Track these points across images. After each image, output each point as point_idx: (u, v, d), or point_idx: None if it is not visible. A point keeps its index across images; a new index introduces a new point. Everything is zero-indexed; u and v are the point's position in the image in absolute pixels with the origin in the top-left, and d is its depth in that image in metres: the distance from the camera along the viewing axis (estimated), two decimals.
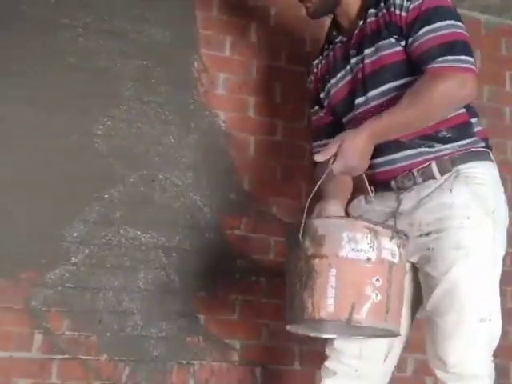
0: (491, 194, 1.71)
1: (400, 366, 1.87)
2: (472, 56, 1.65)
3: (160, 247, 2.30)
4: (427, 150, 1.71)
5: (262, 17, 2.55)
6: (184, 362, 2.26)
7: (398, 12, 1.69)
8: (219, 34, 2.48)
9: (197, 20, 2.45)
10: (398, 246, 1.56)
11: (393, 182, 1.74)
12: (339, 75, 1.84)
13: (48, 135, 2.22)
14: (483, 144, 1.74)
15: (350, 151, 1.60)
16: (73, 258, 2.19)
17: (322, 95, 1.91)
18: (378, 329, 1.56)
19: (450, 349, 1.64)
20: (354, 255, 1.50)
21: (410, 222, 1.70)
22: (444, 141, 1.70)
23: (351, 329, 1.62)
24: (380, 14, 1.74)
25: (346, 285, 1.49)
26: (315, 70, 1.95)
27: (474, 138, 1.72)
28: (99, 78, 2.30)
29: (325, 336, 1.74)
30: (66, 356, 2.14)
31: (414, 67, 1.68)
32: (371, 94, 1.75)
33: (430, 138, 1.70)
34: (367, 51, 1.75)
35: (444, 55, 1.62)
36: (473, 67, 1.63)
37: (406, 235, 1.60)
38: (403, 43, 1.70)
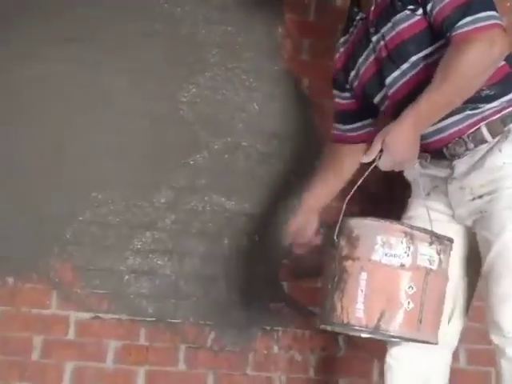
0: None
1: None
2: (493, 9, 1.55)
3: (244, 214, 2.31)
4: (473, 112, 1.64)
5: None
6: (268, 328, 2.28)
7: None
8: None
9: None
10: (438, 252, 1.50)
11: (445, 150, 1.70)
12: (364, 55, 1.77)
13: (135, 102, 2.24)
14: None
15: (396, 145, 1.54)
16: (159, 224, 2.23)
17: (352, 74, 1.84)
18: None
19: (506, 313, 1.60)
20: (386, 260, 1.45)
21: (461, 185, 1.67)
22: (488, 99, 1.63)
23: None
24: None
25: (376, 291, 1.45)
26: (341, 50, 1.89)
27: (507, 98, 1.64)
28: (184, 45, 2.31)
29: (355, 334, 1.67)
30: (153, 319, 2.19)
31: (434, 35, 1.62)
32: (399, 70, 1.69)
33: (474, 99, 1.61)
34: (385, 28, 1.69)
35: (463, 18, 1.53)
36: (496, 21, 1.54)
37: (449, 240, 1.54)
38: (420, 12, 1.62)
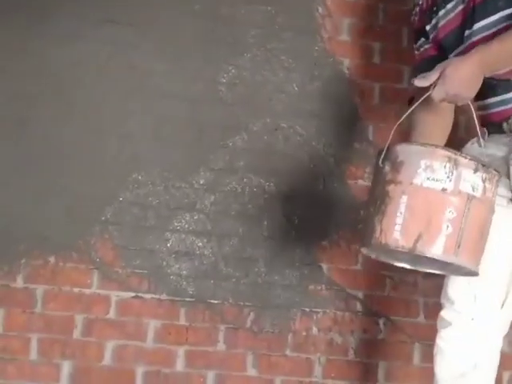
0: None
1: None
2: None
3: (283, 196, 2.30)
4: None
5: None
6: (307, 309, 2.27)
7: None
8: None
9: None
10: (483, 180, 1.48)
11: (505, 124, 1.65)
12: (449, 6, 1.73)
13: (175, 83, 2.25)
14: None
15: (454, 77, 1.50)
16: (198, 205, 2.23)
17: (428, 27, 1.80)
18: (446, 262, 1.49)
19: None
20: (428, 184, 1.45)
21: None
22: None
23: (424, 259, 1.54)
24: None
25: (416, 213, 1.45)
26: (421, 2, 1.85)
27: None
28: (224, 26, 2.30)
29: (398, 264, 1.67)
30: (193, 299, 2.20)
31: None
32: (480, 24, 1.64)
33: None
34: None
35: None
36: None
37: (496, 170, 1.51)
38: None
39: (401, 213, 1.45)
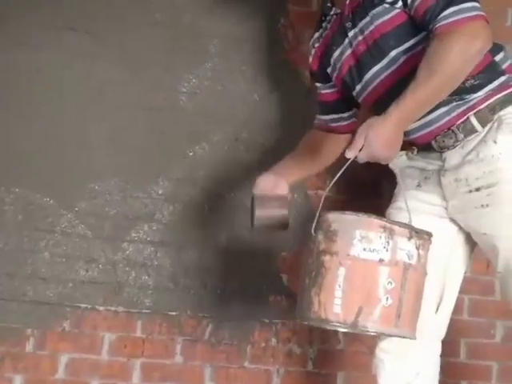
0: None
1: None
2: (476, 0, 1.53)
3: (243, 206, 2.28)
4: (460, 102, 1.62)
5: None
6: (266, 320, 2.26)
7: None
8: None
9: None
10: (417, 247, 1.47)
11: (433, 143, 1.67)
12: (339, 50, 1.75)
13: (134, 92, 2.23)
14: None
15: (377, 141, 1.50)
16: (157, 215, 2.21)
17: (329, 70, 1.83)
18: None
19: None
20: (365, 255, 1.42)
21: (457, 177, 1.64)
22: (474, 89, 1.61)
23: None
24: None
25: (355, 286, 1.42)
26: (316, 45, 1.86)
27: (506, 76, 1.63)
28: (184, 35, 2.29)
29: (339, 330, 1.67)
30: (150, 311, 2.18)
31: (415, 27, 1.59)
32: (380, 65, 1.66)
33: (459, 90, 1.58)
34: (362, 22, 1.66)
35: (445, 9, 1.51)
36: (480, 13, 1.52)
37: (428, 234, 1.50)
38: (399, 4, 1.60)
39: (339, 286, 1.41)
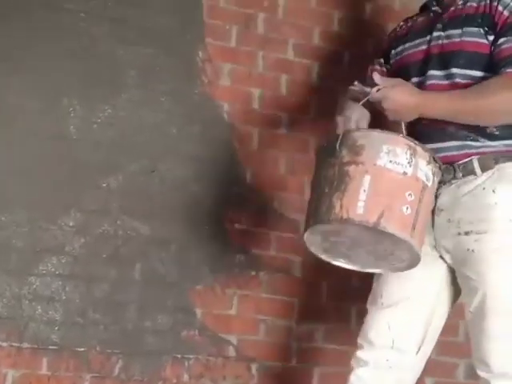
0: None
1: None
2: None
3: (158, 239, 2.26)
4: (472, 143, 1.71)
5: (270, 8, 2.48)
6: (179, 356, 2.23)
7: (500, 9, 1.71)
8: (225, 23, 2.42)
9: (203, 9, 2.39)
10: (433, 173, 1.56)
11: None
12: (417, 41, 1.83)
13: (48, 121, 2.18)
14: None
15: (396, 95, 1.61)
16: (67, 248, 2.16)
17: (393, 52, 1.90)
18: (401, 243, 1.52)
19: (494, 351, 1.64)
20: (391, 166, 1.51)
21: (450, 218, 1.70)
22: (491, 137, 1.70)
23: (362, 255, 1.61)
24: (482, 2, 1.75)
25: (380, 191, 1.50)
26: (398, 29, 1.95)
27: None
28: (101, 65, 2.26)
29: (334, 262, 1.67)
30: (57, 347, 2.11)
31: (487, 64, 1.71)
32: (438, 72, 1.76)
33: (478, 131, 1.69)
34: (454, 31, 1.76)
35: None
36: None
37: (441, 166, 1.61)
38: (491, 38, 1.71)
39: (364, 190, 1.49)
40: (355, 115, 1.77)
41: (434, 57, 1.78)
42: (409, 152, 1.52)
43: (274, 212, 2.40)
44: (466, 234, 1.67)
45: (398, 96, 1.62)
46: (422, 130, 1.70)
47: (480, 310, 1.66)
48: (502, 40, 1.69)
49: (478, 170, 1.69)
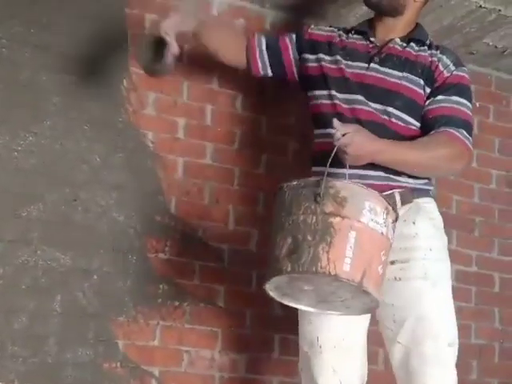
0: (443, 227, 1.89)
1: None
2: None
3: (80, 269, 2.22)
4: (395, 177, 1.83)
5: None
6: None
7: (441, 68, 1.87)
8: None
9: (128, 38, 2.39)
10: (394, 230, 1.63)
11: None
12: (355, 63, 1.91)
13: None
14: (432, 187, 1.94)
15: (361, 140, 1.68)
16: None
17: (321, 55, 1.96)
18: (367, 298, 1.57)
19: (427, 375, 1.74)
20: (373, 225, 1.56)
21: None
22: (410, 175, 1.84)
23: (329, 302, 1.66)
24: (423, 53, 1.89)
25: (364, 250, 1.53)
26: (329, 34, 2.01)
27: (428, 181, 1.91)
28: (24, 92, 2.22)
29: (299, 306, 1.72)
30: None
31: (419, 114, 1.85)
32: (372, 103, 1.85)
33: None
34: (394, 72, 1.87)
35: (463, 129, 1.82)
36: (472, 148, 1.85)
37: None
38: (428, 90, 1.86)
39: (351, 247, 1.52)
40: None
41: (369, 87, 1.87)
42: (385, 212, 1.59)
43: (198, 241, 2.40)
44: (392, 263, 1.75)
45: (362, 142, 1.69)
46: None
47: (412, 336, 1.76)
48: (441, 97, 1.84)
49: (399, 203, 1.80)
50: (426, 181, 1.89)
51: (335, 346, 1.81)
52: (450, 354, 1.78)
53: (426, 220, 1.83)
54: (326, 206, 1.54)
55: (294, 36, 2.07)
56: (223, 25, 2.32)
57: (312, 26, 2.08)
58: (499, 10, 2.35)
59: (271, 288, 1.63)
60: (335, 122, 1.67)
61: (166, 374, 2.28)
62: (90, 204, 2.27)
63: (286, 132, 2.59)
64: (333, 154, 1.62)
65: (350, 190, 1.56)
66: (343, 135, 1.65)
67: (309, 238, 1.52)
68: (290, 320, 2.43)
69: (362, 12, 2.36)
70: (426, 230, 1.81)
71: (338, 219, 1.53)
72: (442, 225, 1.90)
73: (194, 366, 2.33)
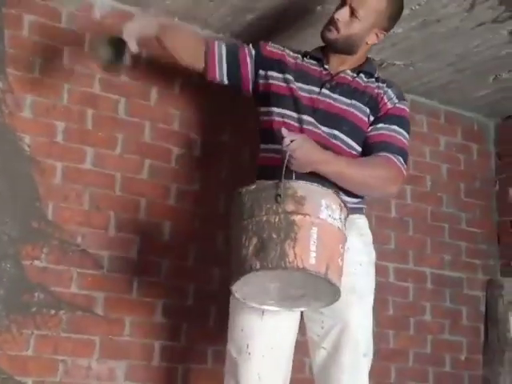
0: (372, 244, 2.00)
1: None
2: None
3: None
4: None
5: (76, 43, 2.45)
6: None
7: (386, 100, 2.01)
8: (29, 54, 2.36)
9: (4, 38, 2.31)
10: (346, 226, 1.73)
11: None
12: (307, 87, 2.00)
13: None
14: (365, 205, 2.05)
15: (307, 148, 1.77)
16: None
17: (275, 74, 2.04)
18: (330, 289, 1.67)
19: (343, 383, 1.86)
20: (331, 221, 1.66)
21: None
22: (346, 193, 1.91)
23: (292, 299, 1.75)
24: (370, 85, 2.02)
25: (325, 244, 1.63)
26: (284, 52, 2.08)
27: (362, 199, 2.01)
28: None
29: (263, 307, 1.78)
30: None
31: (362, 140, 1.97)
32: (321, 126, 1.95)
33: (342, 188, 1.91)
34: (343, 99, 1.98)
35: (400, 156, 1.96)
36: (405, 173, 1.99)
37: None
38: (371, 118, 1.99)
39: (314, 242, 1.61)
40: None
41: (319, 111, 1.97)
42: (339, 208, 1.69)
43: (76, 248, 2.35)
44: None
45: (311, 149, 1.79)
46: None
47: (335, 344, 1.87)
48: (382, 125, 1.98)
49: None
50: (360, 199, 2.00)
51: (264, 355, 1.86)
52: (365, 364, 1.89)
53: (358, 236, 1.93)
54: (286, 205, 1.63)
55: (253, 51, 2.11)
56: (184, 29, 2.39)
57: (270, 43, 2.13)
58: None
59: (236, 289, 1.69)
60: (283, 130, 1.76)
61: None
62: None
63: (170, 137, 2.58)
64: (286, 161, 1.70)
65: (307, 190, 1.66)
66: (291, 141, 1.73)
67: (274, 236, 1.61)
68: (171, 327, 2.46)
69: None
70: (356, 245, 1.90)
71: (299, 217, 1.62)
72: (371, 240, 2.01)
73: (69, 376, 2.27)
